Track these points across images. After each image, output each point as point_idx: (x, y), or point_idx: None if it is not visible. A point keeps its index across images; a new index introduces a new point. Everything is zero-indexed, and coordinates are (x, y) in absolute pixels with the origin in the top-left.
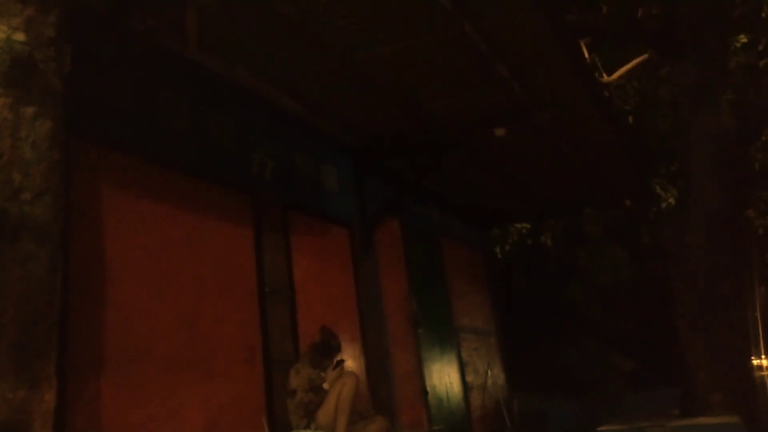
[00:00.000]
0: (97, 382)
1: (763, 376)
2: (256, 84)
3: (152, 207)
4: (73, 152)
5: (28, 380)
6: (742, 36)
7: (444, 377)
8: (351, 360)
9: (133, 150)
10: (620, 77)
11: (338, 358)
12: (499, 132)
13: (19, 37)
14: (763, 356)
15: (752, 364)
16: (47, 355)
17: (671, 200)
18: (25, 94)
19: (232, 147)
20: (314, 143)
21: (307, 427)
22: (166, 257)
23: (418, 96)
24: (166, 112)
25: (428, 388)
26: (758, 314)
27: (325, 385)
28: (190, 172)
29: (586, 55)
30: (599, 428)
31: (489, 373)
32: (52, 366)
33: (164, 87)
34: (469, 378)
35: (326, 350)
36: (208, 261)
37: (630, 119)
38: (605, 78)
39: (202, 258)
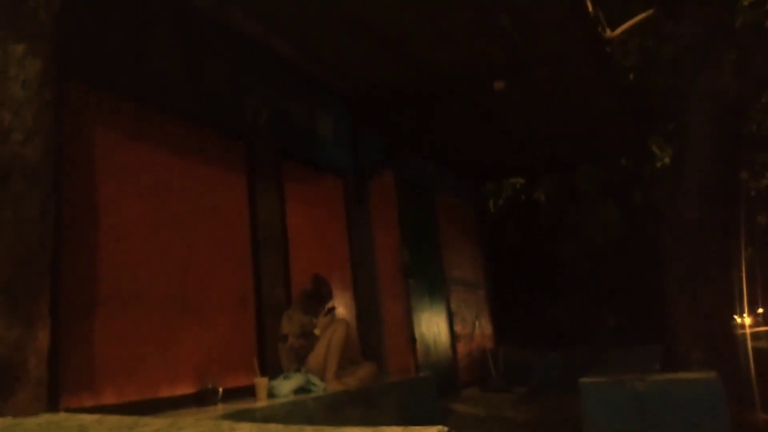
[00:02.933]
0: (90, 323)
1: (743, 334)
2: (252, 27)
3: (145, 150)
4: (63, 93)
5: (22, 319)
6: None
7: (432, 326)
8: (342, 307)
9: (125, 92)
10: (623, 33)
11: (330, 305)
12: (498, 85)
13: None
14: (745, 315)
15: (735, 322)
16: (40, 296)
17: (666, 160)
18: (13, 31)
19: (226, 92)
20: (310, 91)
21: (298, 370)
22: (158, 201)
23: (417, 45)
24: (158, 53)
25: (417, 336)
26: (743, 274)
27: (317, 331)
28: (183, 116)
29: (590, 8)
30: (581, 380)
31: (477, 323)
32: (46, 306)
33: (157, 28)
34: (457, 328)
35: (317, 297)
36: (201, 206)
37: (630, 77)
38: (608, 33)
39: (195, 203)
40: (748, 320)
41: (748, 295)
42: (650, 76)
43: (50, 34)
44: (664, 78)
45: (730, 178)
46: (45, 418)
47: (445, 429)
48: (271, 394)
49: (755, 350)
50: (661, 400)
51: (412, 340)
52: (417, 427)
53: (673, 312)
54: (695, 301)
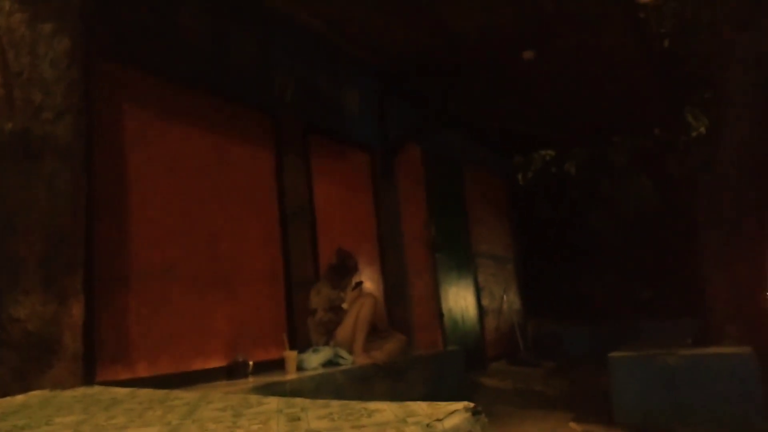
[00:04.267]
0: (123, 298)
1: None
2: (278, 0)
3: (174, 126)
4: (92, 71)
5: (57, 295)
6: None
7: (460, 301)
8: (370, 282)
9: (153, 69)
10: None
11: (357, 279)
12: (528, 55)
13: None
14: None
15: None
16: (74, 271)
17: (702, 129)
18: (41, 9)
19: (253, 66)
20: (336, 64)
21: (326, 344)
22: (188, 177)
23: (444, 14)
24: (185, 29)
25: (444, 311)
26: None
27: (345, 305)
28: (211, 91)
29: None
30: (610, 354)
31: (505, 298)
32: (80, 281)
33: (184, 3)
34: (485, 302)
35: (343, 270)
36: (229, 181)
37: (665, 43)
38: None
39: (224, 178)
40: None
41: None
42: (686, 42)
43: (77, 12)
44: (701, 44)
45: None
46: (80, 391)
47: (471, 405)
48: (300, 367)
49: None
50: (693, 375)
51: (440, 314)
52: (443, 403)
53: (707, 285)
54: (730, 274)
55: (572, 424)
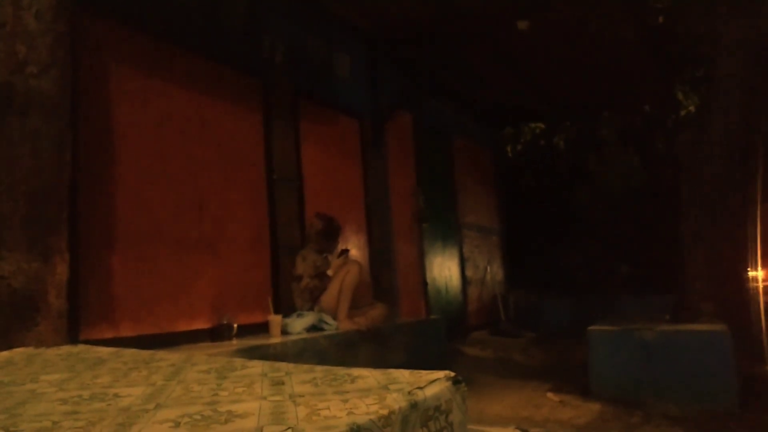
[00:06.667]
0: (108, 258)
1: (755, 287)
2: None
3: (162, 86)
4: (78, 25)
5: (41, 253)
6: None
7: (444, 270)
8: (356, 249)
9: (142, 25)
10: None
11: (343, 247)
12: (522, 25)
13: None
14: (758, 268)
15: (748, 276)
16: (59, 230)
17: (692, 108)
18: None
19: (242, 27)
20: (328, 28)
21: (311, 309)
22: (175, 137)
23: None
24: None
25: (428, 280)
26: (758, 228)
27: (330, 272)
28: (200, 51)
29: None
30: (590, 327)
31: (488, 269)
32: (64, 240)
33: None
34: (469, 272)
35: (330, 233)
36: (217, 144)
37: (660, 19)
38: None
39: (212, 140)
40: (761, 274)
41: (762, 248)
42: (682, 19)
43: None
44: (696, 22)
45: (757, 130)
46: (65, 349)
47: (452, 374)
48: (284, 332)
49: (767, 305)
50: (669, 350)
51: (424, 283)
52: (425, 372)
53: (687, 263)
54: (710, 252)
55: (549, 394)
